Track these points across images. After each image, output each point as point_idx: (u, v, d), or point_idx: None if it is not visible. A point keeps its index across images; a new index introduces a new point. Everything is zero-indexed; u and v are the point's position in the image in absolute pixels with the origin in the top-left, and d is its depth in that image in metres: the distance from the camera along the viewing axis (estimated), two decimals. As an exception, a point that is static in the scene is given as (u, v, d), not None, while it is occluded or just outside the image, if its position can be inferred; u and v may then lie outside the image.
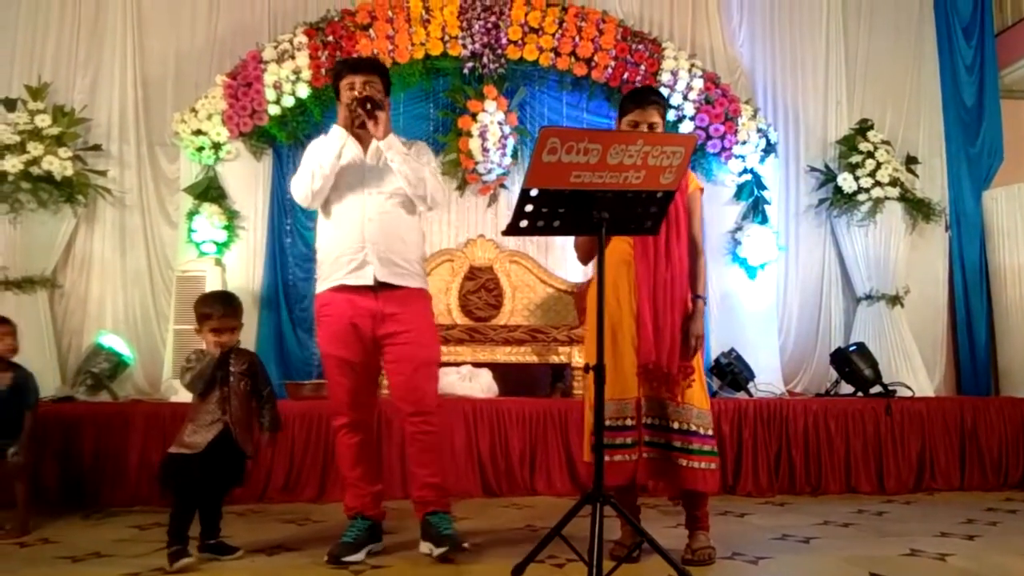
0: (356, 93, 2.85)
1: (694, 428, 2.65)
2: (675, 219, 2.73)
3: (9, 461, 3.28)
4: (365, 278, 2.82)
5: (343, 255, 2.85)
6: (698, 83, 5.49)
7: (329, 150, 2.84)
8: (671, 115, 5.46)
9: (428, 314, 2.99)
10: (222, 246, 5.18)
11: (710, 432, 2.69)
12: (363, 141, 2.95)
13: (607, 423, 2.67)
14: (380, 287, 2.83)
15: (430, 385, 2.93)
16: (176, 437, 2.81)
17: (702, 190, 2.96)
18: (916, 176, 6.06)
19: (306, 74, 5.19)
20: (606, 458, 2.62)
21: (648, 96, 2.79)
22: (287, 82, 5.19)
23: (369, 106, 2.80)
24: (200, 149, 5.19)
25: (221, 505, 2.88)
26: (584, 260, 2.93)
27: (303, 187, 2.86)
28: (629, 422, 2.67)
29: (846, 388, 5.31)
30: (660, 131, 2.75)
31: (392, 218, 2.88)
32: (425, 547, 2.82)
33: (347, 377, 2.86)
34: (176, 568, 2.57)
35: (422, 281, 2.97)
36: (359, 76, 2.89)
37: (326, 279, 2.90)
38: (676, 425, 2.66)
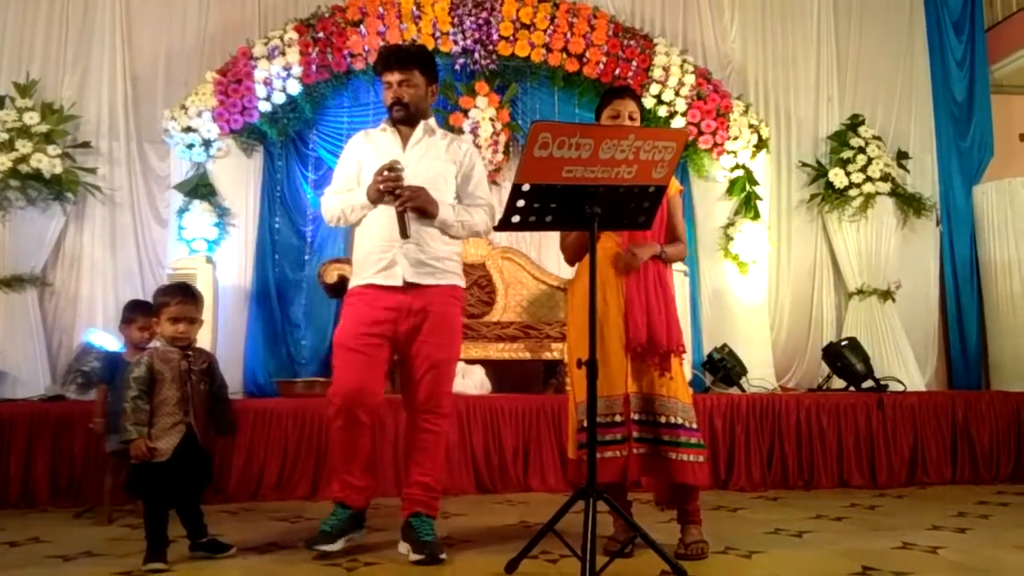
0: (392, 95, 2.85)
1: (680, 421, 2.67)
2: (659, 221, 2.79)
3: None
4: (394, 278, 2.78)
5: (372, 252, 2.82)
6: (690, 79, 5.49)
7: (356, 202, 2.84)
8: (662, 111, 5.48)
9: (454, 313, 2.91)
10: (213, 243, 5.17)
11: (695, 425, 2.71)
12: (402, 134, 2.92)
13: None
14: (409, 286, 2.79)
15: (443, 385, 2.87)
16: None
17: (682, 191, 3.04)
18: (907, 171, 6.09)
19: (297, 70, 5.17)
20: (596, 455, 2.64)
21: (625, 89, 2.99)
22: (278, 79, 5.16)
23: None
24: (190, 146, 5.16)
25: (199, 504, 2.80)
26: (571, 261, 2.93)
27: (332, 217, 2.92)
28: (618, 418, 2.67)
29: (838, 383, 5.32)
30: (638, 120, 2.88)
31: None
32: (403, 548, 2.77)
33: (352, 369, 2.77)
34: (147, 569, 2.54)
35: (455, 277, 2.90)
36: (396, 74, 2.85)
37: (357, 275, 2.88)
38: (663, 419, 2.67)
